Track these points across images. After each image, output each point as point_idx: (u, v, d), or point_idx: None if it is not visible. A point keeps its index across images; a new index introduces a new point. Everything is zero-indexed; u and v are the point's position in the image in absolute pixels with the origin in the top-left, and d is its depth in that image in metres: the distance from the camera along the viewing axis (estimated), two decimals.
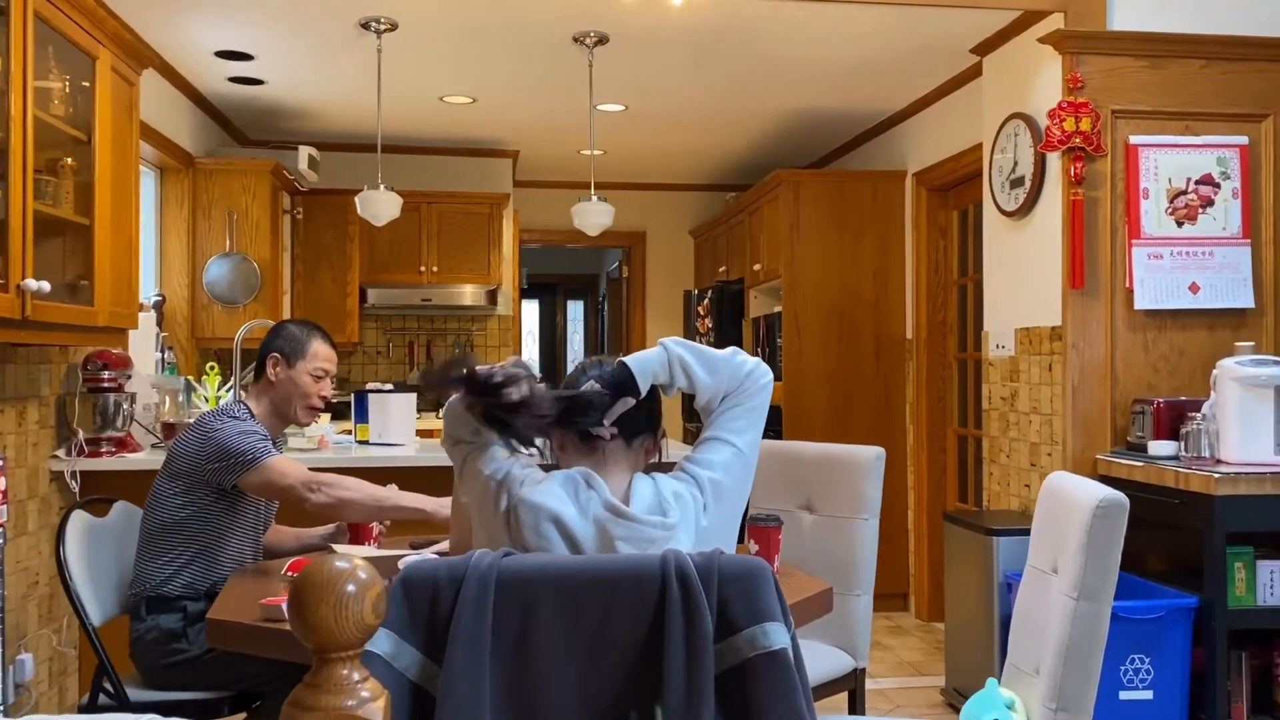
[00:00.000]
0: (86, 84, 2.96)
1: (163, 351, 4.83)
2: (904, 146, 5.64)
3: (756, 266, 6.00)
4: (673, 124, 5.85)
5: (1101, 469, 3.71)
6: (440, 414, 1.85)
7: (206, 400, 4.37)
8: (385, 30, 4.14)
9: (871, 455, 3.05)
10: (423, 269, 6.19)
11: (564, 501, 1.59)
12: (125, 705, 2.41)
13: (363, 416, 4.16)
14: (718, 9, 3.98)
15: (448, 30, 4.24)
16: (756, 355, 5.77)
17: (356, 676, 0.97)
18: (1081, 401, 3.78)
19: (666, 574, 1.23)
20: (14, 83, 2.42)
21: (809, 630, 2.99)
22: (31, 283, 2.46)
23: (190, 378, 4.71)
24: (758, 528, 2.51)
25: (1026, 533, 3.79)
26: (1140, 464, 3.49)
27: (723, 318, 6.30)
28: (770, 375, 1.84)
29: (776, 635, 1.21)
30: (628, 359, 1.78)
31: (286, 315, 5.87)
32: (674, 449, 3.30)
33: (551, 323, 12.45)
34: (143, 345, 4.45)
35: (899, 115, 5.61)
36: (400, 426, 4.11)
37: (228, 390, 4.43)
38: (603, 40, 4.29)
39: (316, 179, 5.81)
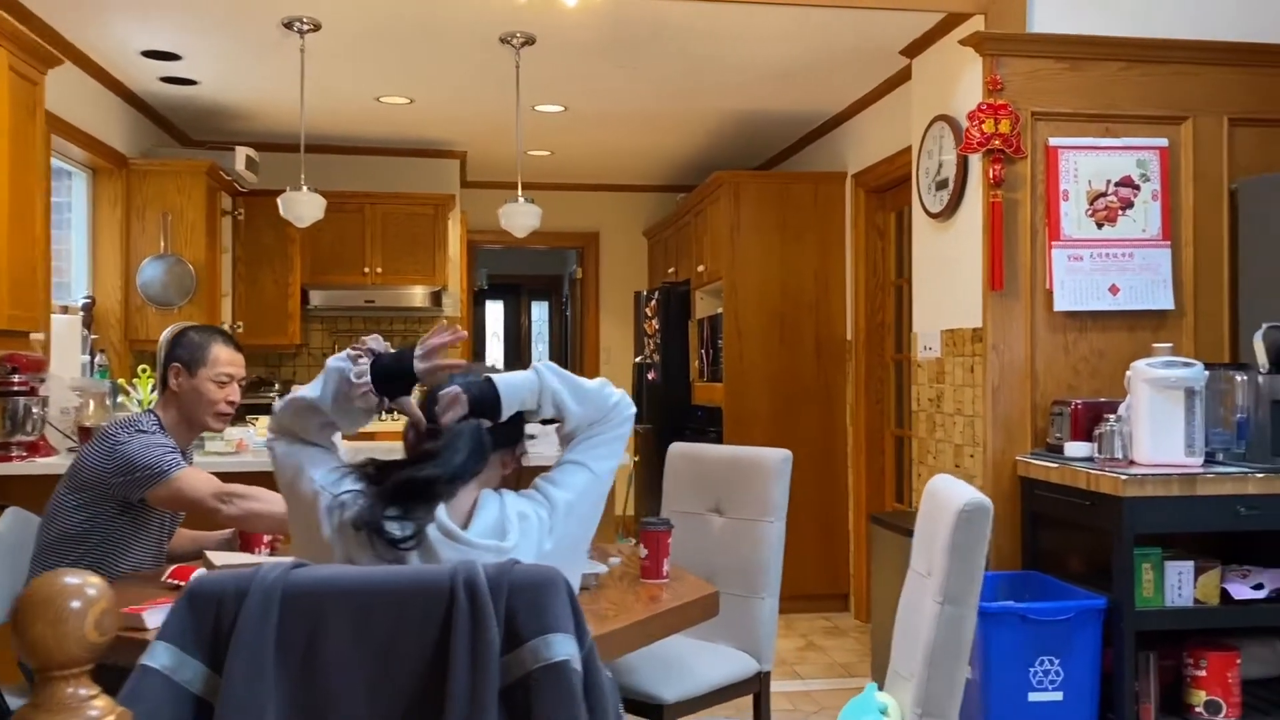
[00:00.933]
0: None
1: (92, 354, 4.78)
2: (844, 148, 5.65)
3: (700, 268, 5.99)
4: (615, 125, 5.83)
5: (1021, 470, 3.72)
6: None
7: (140, 404, 4.33)
8: (309, 30, 4.11)
9: (778, 458, 3.05)
10: (366, 270, 6.16)
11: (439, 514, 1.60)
12: (4, 715, 2.38)
13: None
14: (641, 10, 3.97)
15: (371, 31, 4.21)
16: (702, 355, 5.79)
17: (84, 693, 0.95)
18: (1002, 403, 3.79)
19: (455, 586, 1.21)
20: None
21: (712, 633, 2.98)
22: None
23: (121, 380, 4.66)
24: (647, 532, 2.50)
25: None
26: (1056, 465, 3.50)
27: (669, 319, 6.29)
28: (633, 409, 1.88)
29: (561, 646, 1.19)
30: (497, 379, 1.76)
31: (227, 317, 5.83)
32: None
33: (516, 323, 12.42)
34: (67, 347, 4.41)
35: (840, 117, 5.62)
36: None
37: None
38: (530, 41, 4.27)
39: (256, 180, 5.76)
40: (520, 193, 4.40)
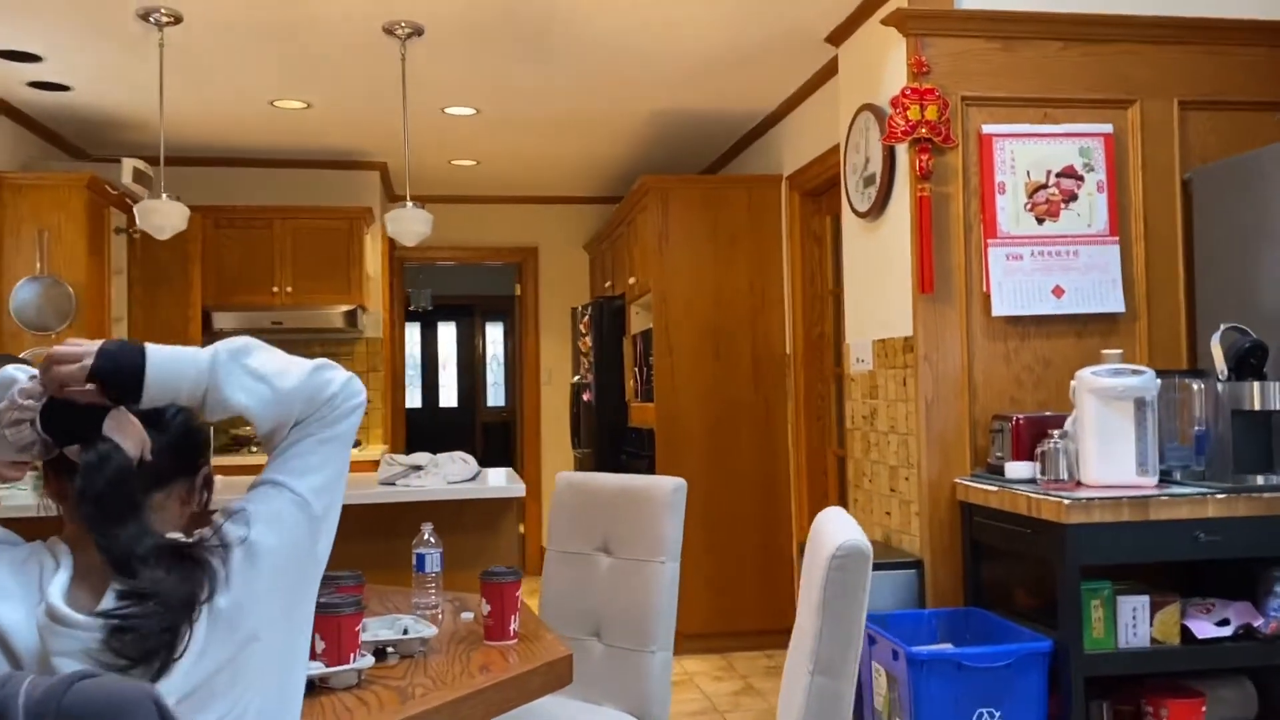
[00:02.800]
0: None
1: None
2: (780, 149, 5.29)
3: (631, 280, 5.61)
4: (536, 129, 5.45)
5: (960, 494, 3.33)
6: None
7: None
8: (169, 23, 3.72)
9: (669, 488, 2.65)
10: (275, 290, 5.74)
11: (9, 596, 1.16)
12: None
13: None
14: None
15: (238, 22, 3.81)
16: (636, 374, 5.39)
17: None
18: (937, 419, 3.40)
19: None
20: None
21: (596, 692, 2.58)
22: None
23: None
24: (489, 584, 2.09)
25: (882, 568, 3.42)
26: (995, 489, 3.12)
27: (603, 334, 5.90)
28: (362, 395, 1.38)
29: None
30: (151, 349, 1.26)
31: None
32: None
33: (470, 345, 11.99)
34: None
35: (774, 117, 5.26)
36: None
37: None
38: (417, 31, 3.89)
39: (148, 194, 5.34)
40: (409, 199, 4.00)
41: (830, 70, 4.39)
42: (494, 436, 11.45)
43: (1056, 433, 3.04)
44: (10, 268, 4.77)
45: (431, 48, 4.08)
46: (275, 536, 1.27)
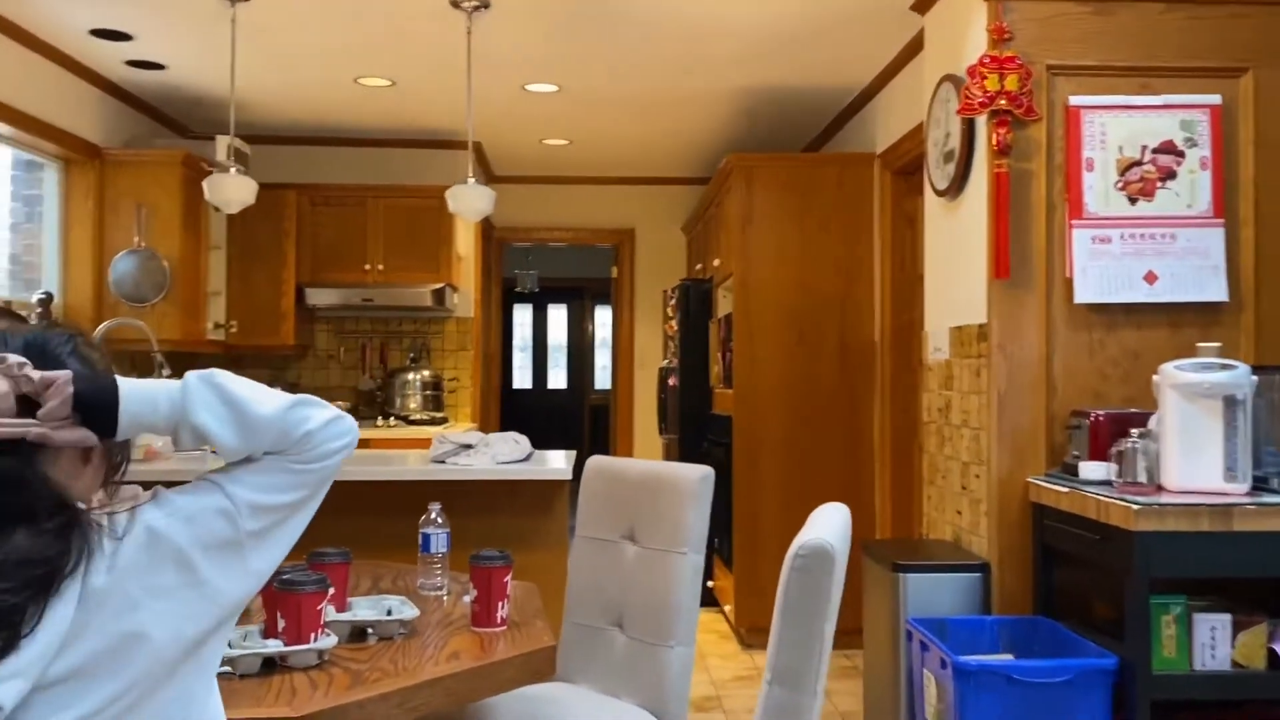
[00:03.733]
0: None
1: None
2: (874, 126, 5.05)
3: (716, 262, 5.46)
4: (621, 107, 5.35)
5: (1032, 494, 3.09)
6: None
7: None
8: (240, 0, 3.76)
9: (695, 476, 2.52)
10: (367, 267, 5.81)
11: None
12: None
13: None
14: None
15: None
16: (721, 359, 5.24)
17: None
18: (1010, 413, 3.16)
19: None
20: None
21: (616, 684, 2.48)
22: None
23: None
24: (478, 568, 2.01)
25: (944, 569, 3.21)
26: (1066, 489, 2.87)
27: (690, 318, 5.76)
28: (348, 438, 1.29)
29: None
30: (124, 382, 1.21)
31: (219, 317, 5.56)
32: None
33: (579, 329, 12.02)
34: None
35: (868, 92, 5.02)
36: None
37: None
38: (484, 4, 3.83)
39: (246, 172, 5.46)
40: (470, 175, 3.95)
41: (921, 41, 4.14)
42: (600, 420, 11.45)
43: (1136, 432, 2.78)
44: (110, 241, 4.96)
45: (500, 22, 4.02)
46: (187, 532, 1.17)
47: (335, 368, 6.24)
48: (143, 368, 4.97)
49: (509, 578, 2.02)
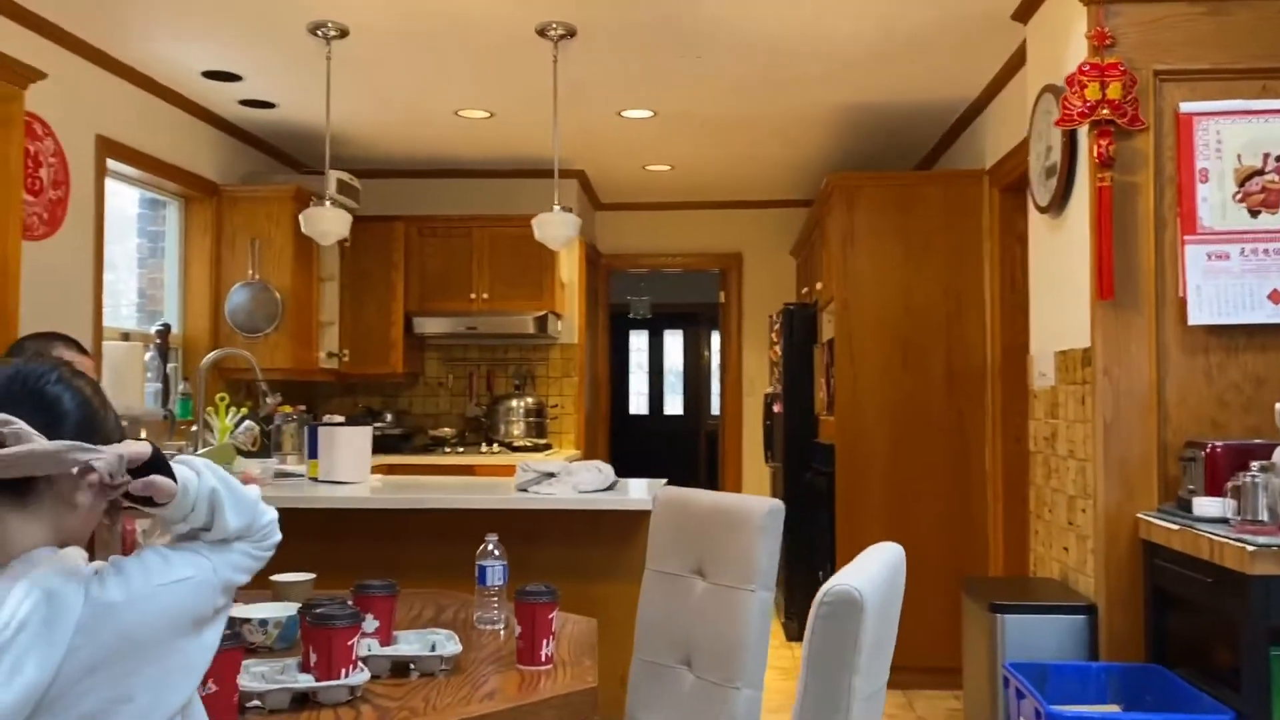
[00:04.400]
0: None
1: (167, 382, 4.73)
2: (983, 142, 4.84)
3: (819, 285, 5.32)
4: (718, 130, 5.28)
5: (1142, 531, 2.86)
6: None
7: (218, 432, 4.20)
8: (335, 36, 3.86)
9: (763, 509, 2.41)
10: (473, 295, 5.89)
11: None
12: None
13: (314, 452, 3.85)
14: None
15: (401, 32, 3.90)
16: (826, 385, 5.09)
17: None
18: (1118, 443, 2.94)
19: None
20: None
21: None
22: None
23: (209, 409, 4.56)
24: (522, 604, 1.95)
25: (1045, 610, 3.00)
26: (1177, 527, 2.65)
27: (793, 343, 5.63)
28: (278, 537, 1.38)
29: None
30: (177, 464, 1.25)
31: (331, 346, 5.71)
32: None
33: (695, 354, 11.94)
34: (124, 375, 4.35)
35: (975, 107, 4.83)
36: (349, 463, 3.76)
37: (238, 421, 4.23)
38: (570, 33, 3.83)
39: (356, 205, 5.62)
40: (555, 202, 3.93)
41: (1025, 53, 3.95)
42: (716, 446, 11.33)
43: (1258, 465, 2.54)
44: (227, 274, 5.15)
45: (589, 49, 4.01)
46: (142, 589, 1.16)
47: (444, 394, 6.34)
48: (253, 395, 5.15)
49: (554, 614, 1.96)
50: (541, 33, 3.82)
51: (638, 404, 12.00)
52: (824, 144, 5.63)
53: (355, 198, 5.59)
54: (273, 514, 1.36)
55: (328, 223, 3.82)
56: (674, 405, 12.04)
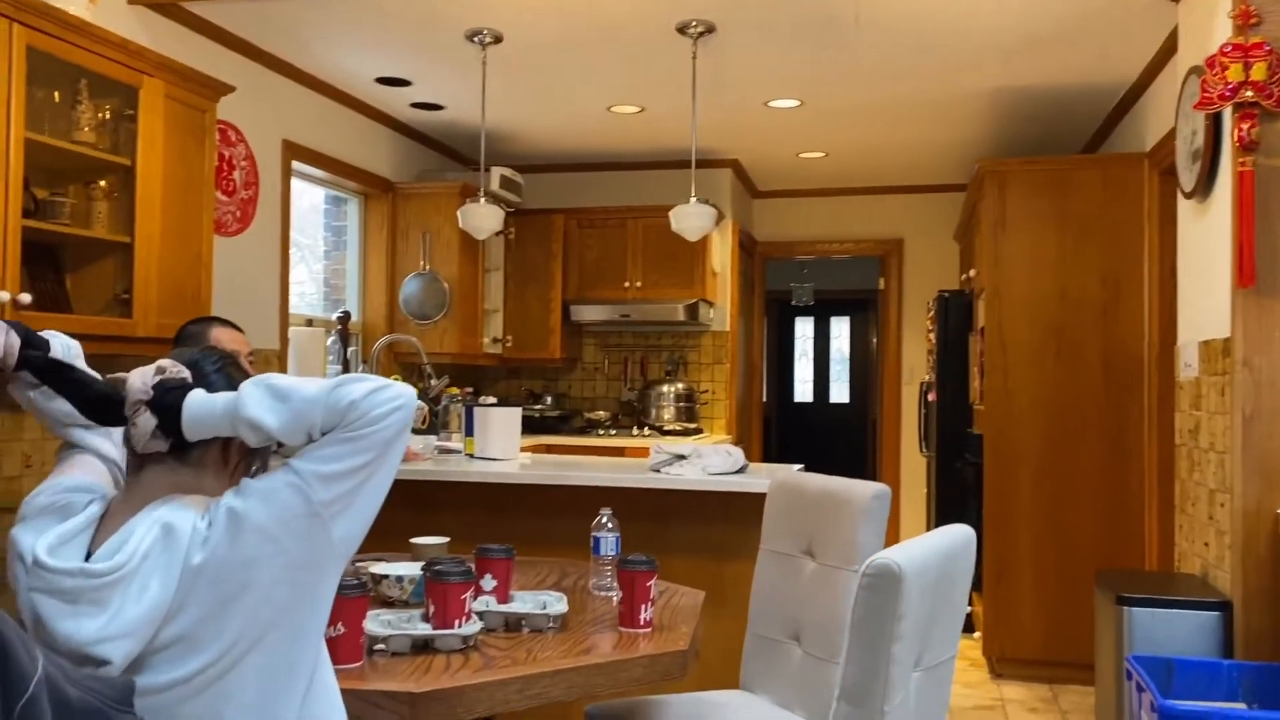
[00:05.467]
0: (131, 112, 3.20)
1: (345, 365, 5.15)
2: (1144, 124, 4.67)
3: (973, 272, 5.25)
4: (868, 116, 5.28)
5: None
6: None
7: None
8: (490, 43, 4.12)
9: (868, 494, 2.49)
10: (627, 284, 6.10)
11: (30, 540, 1.34)
12: None
13: (470, 430, 4.14)
14: None
15: (553, 37, 4.11)
16: (979, 373, 5.04)
17: None
18: (1258, 436, 2.85)
19: None
20: None
21: (788, 697, 2.51)
22: (4, 294, 2.68)
23: None
24: (624, 572, 2.12)
25: (1174, 605, 2.95)
26: None
27: (948, 330, 5.57)
28: (398, 401, 1.37)
29: None
30: (195, 394, 1.40)
31: (492, 332, 6.05)
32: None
33: (862, 342, 11.83)
34: (308, 357, 4.77)
35: (1136, 88, 4.66)
36: (500, 441, 4.02)
37: None
38: (709, 29, 3.95)
39: (519, 200, 5.92)
40: (693, 194, 4.06)
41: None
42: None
43: None
44: (401, 265, 5.55)
45: (729, 42, 4.12)
46: (264, 510, 1.34)
47: (600, 379, 6.59)
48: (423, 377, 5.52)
49: (652, 582, 2.11)
50: (681, 30, 3.96)
51: (803, 391, 12.00)
52: (982, 128, 5.53)
53: (518, 193, 5.90)
54: (359, 393, 1.36)
55: (481, 218, 4.09)
56: (840, 393, 11.97)
